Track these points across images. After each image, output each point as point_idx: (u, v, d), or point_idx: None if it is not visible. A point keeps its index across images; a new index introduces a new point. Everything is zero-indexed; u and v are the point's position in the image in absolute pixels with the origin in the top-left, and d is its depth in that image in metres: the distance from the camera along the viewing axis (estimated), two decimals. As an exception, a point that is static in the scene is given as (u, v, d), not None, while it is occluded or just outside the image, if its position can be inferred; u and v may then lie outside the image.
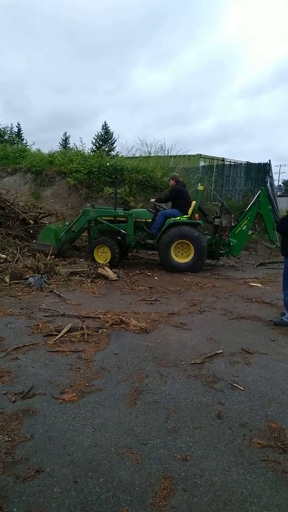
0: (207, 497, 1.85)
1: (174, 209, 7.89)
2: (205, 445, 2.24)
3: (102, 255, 7.80)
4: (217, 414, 2.56)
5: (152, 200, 8.54)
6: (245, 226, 8.04)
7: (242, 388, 2.94)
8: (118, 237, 7.78)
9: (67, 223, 8.28)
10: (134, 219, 7.88)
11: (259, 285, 6.76)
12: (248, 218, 8.06)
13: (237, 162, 16.32)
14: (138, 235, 7.97)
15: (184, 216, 7.69)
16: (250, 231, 10.96)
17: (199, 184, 8.32)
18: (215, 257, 8.14)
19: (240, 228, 8.08)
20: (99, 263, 7.42)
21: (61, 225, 8.18)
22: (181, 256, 7.63)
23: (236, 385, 2.98)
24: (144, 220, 8.01)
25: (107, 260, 7.63)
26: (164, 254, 7.55)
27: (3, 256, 6.99)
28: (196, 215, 7.64)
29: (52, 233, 7.69)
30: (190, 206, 7.73)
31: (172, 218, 7.64)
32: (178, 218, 7.64)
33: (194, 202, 7.77)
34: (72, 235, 7.97)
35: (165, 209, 8.11)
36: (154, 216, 7.90)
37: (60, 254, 7.96)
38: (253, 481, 1.97)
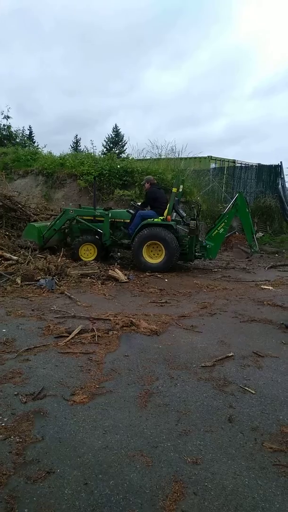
0: (218, 501, 1.83)
1: (151, 211, 8.04)
2: (216, 448, 2.23)
3: (86, 253, 8.06)
4: (228, 418, 2.54)
5: (136, 203, 8.71)
6: (222, 229, 8.02)
7: (253, 391, 2.91)
8: (96, 236, 8.05)
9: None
10: (112, 219, 8.15)
11: (271, 287, 6.70)
12: (225, 221, 8.02)
13: (248, 164, 16.25)
14: (116, 235, 8.22)
15: (160, 217, 7.81)
16: (262, 234, 10.85)
17: (180, 187, 8.29)
18: (187, 259, 8.17)
19: (217, 231, 8.04)
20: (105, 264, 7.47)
21: (49, 223, 8.42)
22: (154, 257, 7.75)
23: (247, 388, 2.95)
24: (122, 220, 8.27)
25: (91, 258, 7.91)
26: (136, 253, 7.73)
27: (15, 257, 7.06)
28: (169, 217, 7.69)
29: (35, 230, 7.97)
30: (166, 208, 7.82)
31: (148, 219, 7.80)
32: (152, 219, 7.78)
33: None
34: (54, 232, 8.16)
35: (144, 210, 8.25)
36: (132, 217, 8.08)
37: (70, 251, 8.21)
38: (264, 486, 1.94)
